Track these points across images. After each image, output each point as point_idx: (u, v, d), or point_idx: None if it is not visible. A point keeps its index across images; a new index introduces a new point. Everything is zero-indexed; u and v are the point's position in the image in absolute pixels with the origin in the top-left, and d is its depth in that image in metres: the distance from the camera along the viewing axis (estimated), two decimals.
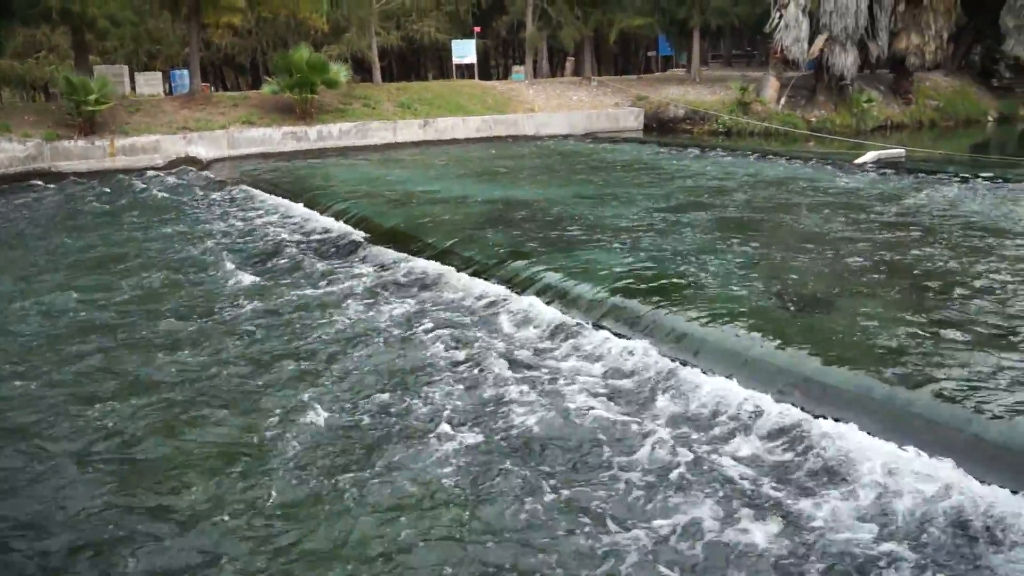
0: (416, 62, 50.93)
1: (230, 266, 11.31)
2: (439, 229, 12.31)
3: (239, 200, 16.92)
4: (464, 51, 34.52)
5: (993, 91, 40.61)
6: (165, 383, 7.19)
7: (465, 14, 43.23)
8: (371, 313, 9.02)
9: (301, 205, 15.62)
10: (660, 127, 31.63)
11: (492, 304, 9.08)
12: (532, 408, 6.49)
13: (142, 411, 6.61)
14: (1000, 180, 16.90)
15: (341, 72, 26.45)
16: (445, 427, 6.17)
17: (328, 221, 14.00)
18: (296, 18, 28.06)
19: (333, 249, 12.25)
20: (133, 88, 29.54)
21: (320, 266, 11.23)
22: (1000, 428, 5.36)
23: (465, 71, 35.56)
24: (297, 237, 13.14)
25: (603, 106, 31.93)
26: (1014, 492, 4.87)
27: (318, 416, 6.39)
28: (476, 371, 7.31)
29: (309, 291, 10.03)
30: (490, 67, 50.61)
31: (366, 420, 6.40)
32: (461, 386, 7.02)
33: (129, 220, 15.26)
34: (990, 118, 38.43)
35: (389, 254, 11.44)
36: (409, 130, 26.55)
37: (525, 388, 6.87)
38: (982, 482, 5.00)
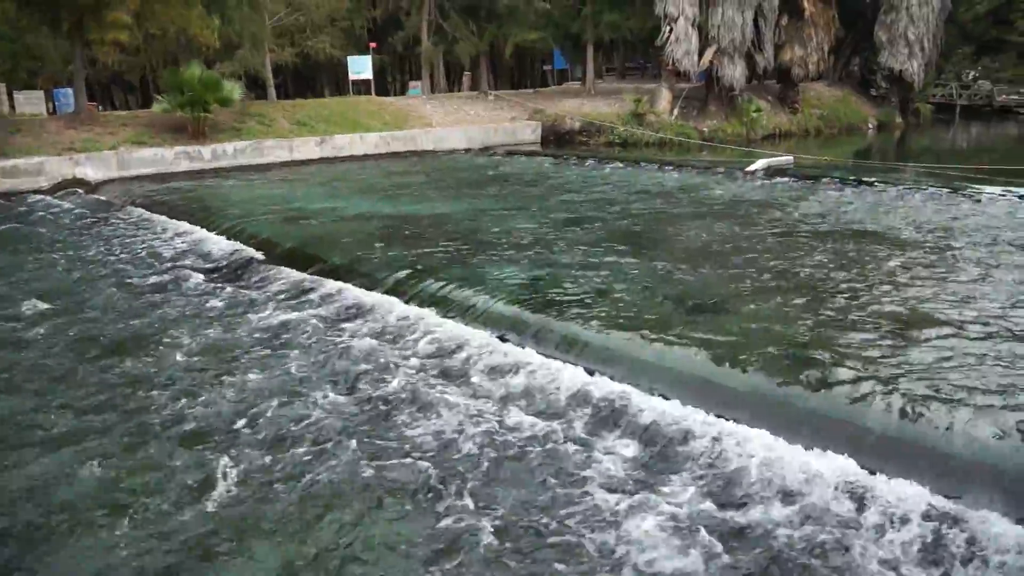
0: (312, 79, 50.41)
1: (115, 291, 11.06)
2: (338, 247, 12.28)
3: (130, 222, 16.51)
4: (360, 67, 34.41)
5: (872, 100, 42.59)
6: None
7: (360, 30, 43.11)
8: (263, 333, 8.99)
9: (196, 226, 15.33)
10: (557, 140, 32.12)
11: (396, 319, 9.14)
12: (433, 421, 6.61)
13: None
14: (881, 184, 17.81)
15: (235, 90, 26.06)
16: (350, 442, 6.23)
17: (224, 241, 13.79)
18: (186, 35, 27.47)
19: (228, 270, 12.10)
20: (12, 107, 28.43)
21: (214, 287, 11.09)
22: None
23: (362, 87, 35.43)
24: (191, 259, 12.92)
25: (500, 120, 32.26)
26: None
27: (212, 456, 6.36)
28: (374, 383, 7.38)
29: (202, 313, 9.91)
30: (387, 83, 50.50)
31: (241, 423, 6.42)
32: (347, 398, 7.08)
33: (7, 246, 14.69)
34: (870, 126, 40.24)
35: (287, 273, 11.38)
36: (306, 148, 26.31)
37: (421, 402, 6.98)
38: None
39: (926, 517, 4.93)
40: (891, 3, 37.45)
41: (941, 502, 5.02)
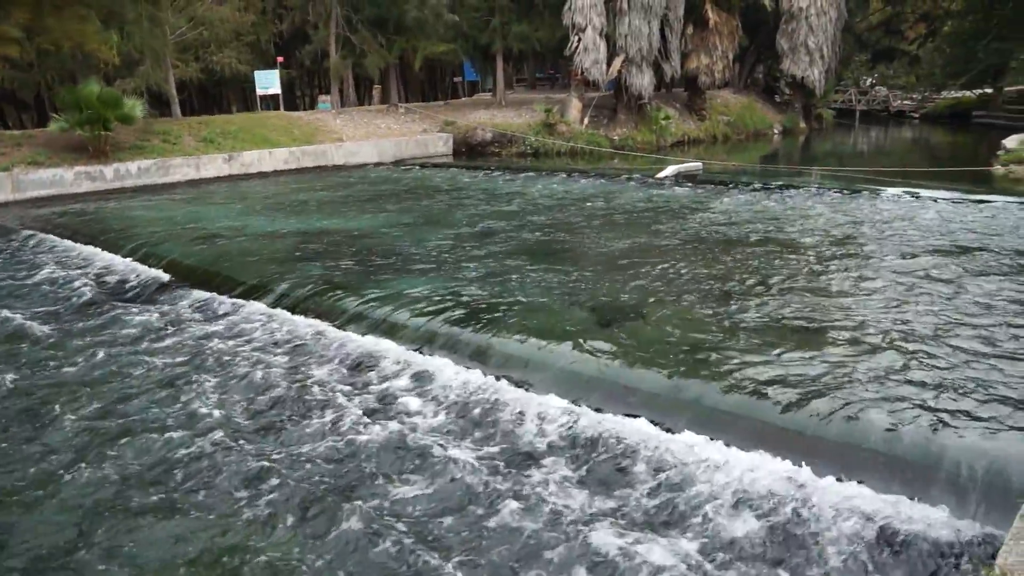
0: (218, 94, 49.37)
1: (14, 317, 10.57)
2: (249, 265, 12.00)
3: (28, 247, 15.85)
4: (268, 82, 33.80)
5: (776, 106, 43.83)
6: None
7: (267, 44, 42.34)
8: (175, 357, 8.69)
9: (100, 249, 14.79)
10: (469, 151, 32.13)
11: (311, 335, 8.95)
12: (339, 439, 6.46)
13: None
14: (788, 188, 18.27)
15: (136, 107, 25.24)
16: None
17: (129, 263, 13.33)
18: (83, 50, 26.54)
19: (135, 292, 11.69)
20: None
21: (120, 311, 10.68)
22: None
23: (270, 102, 34.82)
24: (94, 283, 12.44)
25: (412, 133, 32.11)
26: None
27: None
28: (295, 400, 7.19)
29: (109, 339, 9.53)
30: (296, 97, 49.80)
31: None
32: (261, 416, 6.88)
33: None
34: (775, 131, 41.37)
35: (196, 294, 11.05)
36: (213, 165, 25.71)
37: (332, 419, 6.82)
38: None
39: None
40: (791, 13, 38.62)
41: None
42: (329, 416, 7.01)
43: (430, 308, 9.04)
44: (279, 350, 8.74)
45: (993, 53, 40.92)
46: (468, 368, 7.61)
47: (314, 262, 11.87)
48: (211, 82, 42.73)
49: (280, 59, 37.48)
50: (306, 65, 44.02)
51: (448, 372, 7.60)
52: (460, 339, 8.14)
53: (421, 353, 8.10)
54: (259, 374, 7.96)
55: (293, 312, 9.78)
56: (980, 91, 48.21)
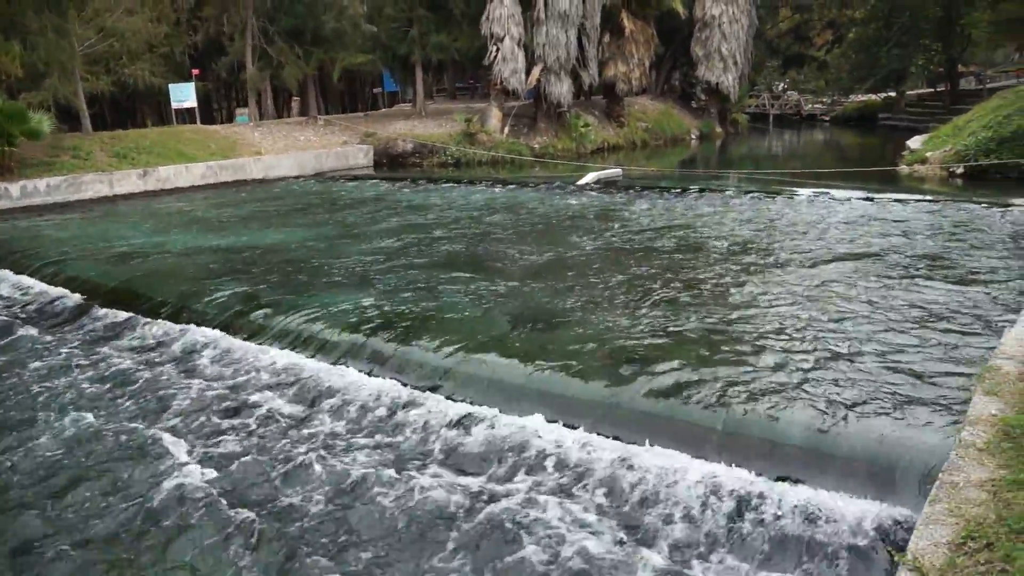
0: (132, 108, 48.16)
1: None
2: (168, 284, 11.76)
3: None
4: (183, 95, 33.15)
5: (693, 112, 44.67)
6: None
7: (182, 56, 41.48)
8: (91, 383, 8.47)
9: (7, 271, 14.31)
10: (390, 162, 32.01)
11: (234, 355, 8.82)
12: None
13: None
14: (706, 191, 18.66)
15: (44, 122, 24.44)
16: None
17: (39, 285, 12.93)
18: None
19: (47, 316, 11.35)
20: None
21: (33, 334, 10.37)
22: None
23: (186, 116, 34.15)
24: (2, 307, 12.05)
25: (332, 145, 31.84)
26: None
27: None
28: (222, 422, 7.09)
29: (19, 362, 9.24)
30: (213, 111, 48.92)
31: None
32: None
33: None
34: (693, 136, 42.15)
35: (113, 314, 10.79)
36: (127, 181, 25.09)
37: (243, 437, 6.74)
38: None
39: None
40: (704, 21, 39.51)
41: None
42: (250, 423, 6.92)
43: (350, 321, 9.00)
44: (186, 367, 8.60)
45: (894, 58, 42.52)
46: (386, 378, 7.63)
47: (234, 279, 11.68)
48: (124, 95, 41.69)
49: (196, 72, 36.79)
50: (223, 77, 43.27)
51: (367, 383, 7.64)
52: (378, 350, 8.13)
53: (339, 365, 8.08)
54: (177, 390, 7.82)
55: (212, 328, 9.63)
56: (885, 94, 49.95)
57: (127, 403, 7.87)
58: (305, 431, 7.03)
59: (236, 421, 7.28)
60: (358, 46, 34.24)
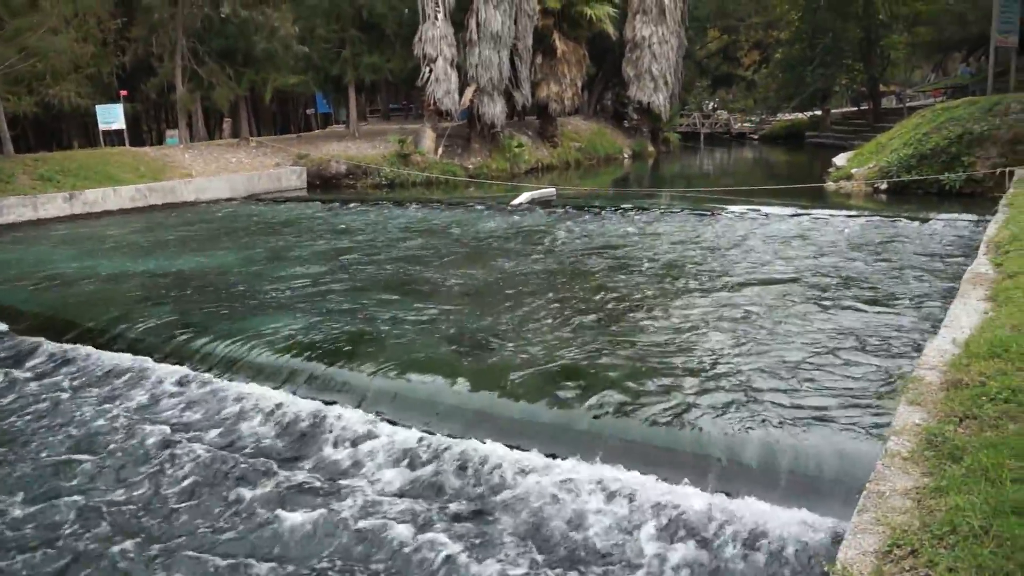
0: (57, 130, 46.98)
1: None
2: (95, 310, 11.47)
3: None
4: (111, 116, 32.42)
5: (625, 131, 45.26)
6: None
7: (109, 77, 40.66)
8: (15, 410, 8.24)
9: None
10: (324, 184, 31.74)
11: (159, 381, 8.64)
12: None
13: None
14: (639, 210, 18.88)
15: None
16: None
17: None
18: None
19: None
20: None
21: None
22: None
23: (115, 138, 33.43)
24: None
25: (264, 167, 31.47)
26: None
27: None
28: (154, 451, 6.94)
29: None
30: (143, 132, 47.95)
31: None
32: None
33: None
34: (625, 155, 42.66)
35: (37, 343, 10.49)
36: (53, 205, 24.45)
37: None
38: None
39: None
40: (635, 41, 40.11)
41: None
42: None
43: (281, 345, 8.90)
44: (100, 393, 8.42)
45: (819, 78, 43.75)
46: (316, 401, 7.60)
47: (165, 303, 11.47)
48: (48, 117, 40.68)
49: (124, 92, 36.07)
50: (152, 98, 42.54)
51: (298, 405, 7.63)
52: (311, 373, 8.07)
53: (275, 389, 8.01)
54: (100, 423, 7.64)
55: (137, 354, 9.44)
56: (811, 113, 51.30)
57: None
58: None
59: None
60: (290, 67, 33.94)
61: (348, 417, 7.20)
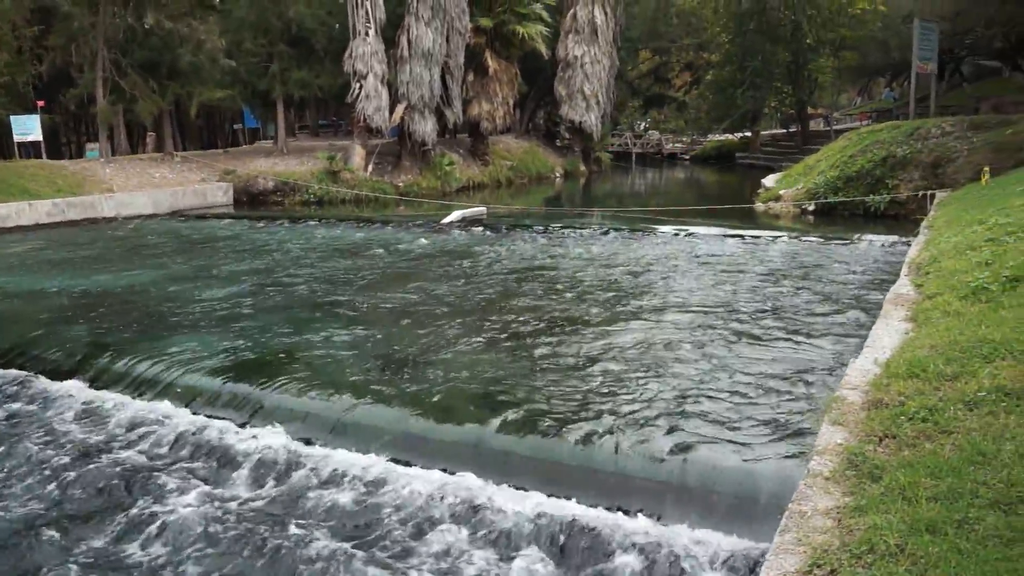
0: None
1: None
2: (7, 329, 10.97)
3: None
4: (27, 128, 31.34)
5: (557, 150, 45.54)
6: None
7: (25, 87, 39.44)
8: None
9: None
10: (251, 200, 31.17)
11: (79, 404, 8.28)
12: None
13: None
14: (570, 229, 18.88)
15: None
16: None
17: None
18: None
19: None
20: None
21: None
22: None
23: (31, 150, 32.36)
24: None
25: (189, 182, 30.76)
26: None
27: None
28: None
29: None
30: (61, 145, 46.61)
31: None
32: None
33: None
34: (557, 174, 42.87)
35: None
36: None
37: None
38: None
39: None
40: (567, 61, 40.39)
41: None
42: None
43: (199, 366, 8.59)
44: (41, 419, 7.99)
45: (749, 100, 44.61)
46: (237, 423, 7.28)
47: (80, 323, 11.00)
48: None
49: (41, 103, 34.98)
50: (71, 110, 41.42)
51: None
52: (229, 394, 7.77)
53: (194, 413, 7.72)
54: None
55: (52, 378, 9.02)
56: (741, 134, 52.27)
57: None
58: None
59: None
60: (216, 81, 33.28)
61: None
